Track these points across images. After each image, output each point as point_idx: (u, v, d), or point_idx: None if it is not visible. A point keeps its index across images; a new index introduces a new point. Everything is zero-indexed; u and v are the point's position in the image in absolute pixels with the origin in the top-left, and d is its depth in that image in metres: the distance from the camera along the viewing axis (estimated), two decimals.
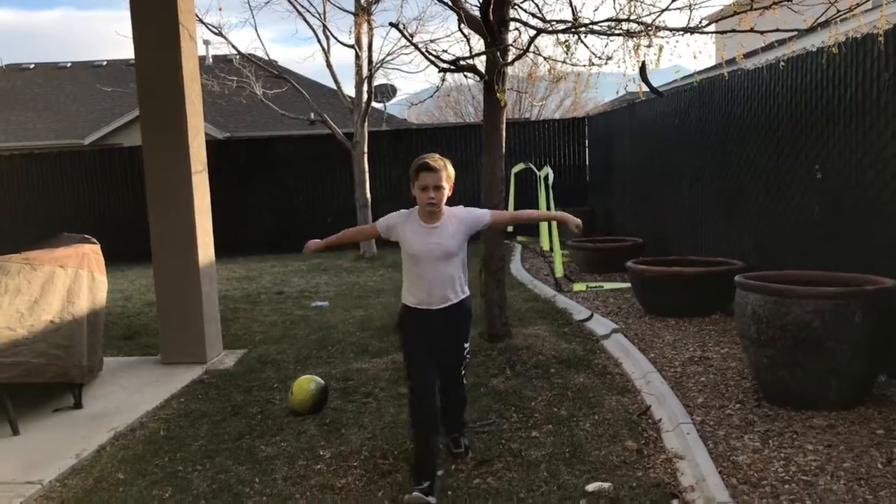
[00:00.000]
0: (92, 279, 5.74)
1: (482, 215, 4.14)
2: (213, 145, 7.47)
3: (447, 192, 3.91)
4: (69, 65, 28.47)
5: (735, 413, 4.62)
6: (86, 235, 6.14)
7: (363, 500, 3.78)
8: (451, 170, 3.95)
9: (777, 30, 4.47)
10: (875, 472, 3.69)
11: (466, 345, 4.18)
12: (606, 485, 3.73)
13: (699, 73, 6.28)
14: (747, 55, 6.54)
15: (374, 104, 15.32)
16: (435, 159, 3.87)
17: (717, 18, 4.63)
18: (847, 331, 4.33)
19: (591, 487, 3.72)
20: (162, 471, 4.31)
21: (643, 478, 3.82)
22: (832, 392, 4.47)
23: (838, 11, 4.22)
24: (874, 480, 3.60)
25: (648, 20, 4.97)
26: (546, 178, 10.26)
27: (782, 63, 5.84)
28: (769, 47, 5.20)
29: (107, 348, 6.52)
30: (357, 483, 3.97)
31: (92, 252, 5.84)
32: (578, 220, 4.07)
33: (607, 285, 9.10)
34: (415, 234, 3.95)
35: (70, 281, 5.46)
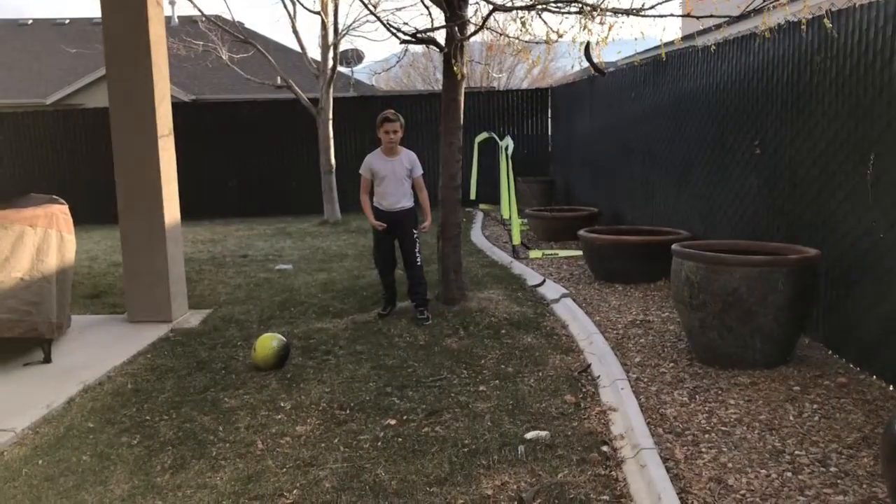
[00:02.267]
0: (61, 239, 5.92)
1: (418, 169, 6.48)
2: (178, 108, 7.62)
3: (400, 135, 6.31)
4: (31, 22, 27.99)
5: (668, 371, 4.99)
6: (54, 196, 6.30)
7: (320, 445, 4.08)
8: (402, 121, 6.35)
9: (711, 15, 4.76)
10: (786, 424, 4.07)
11: (415, 233, 6.50)
12: (544, 433, 4.07)
13: (665, 44, 6.54)
14: (686, 37, 6.82)
15: (340, 69, 15.44)
16: (394, 114, 6.30)
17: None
18: (770, 296, 4.69)
19: (529, 435, 4.05)
20: (130, 420, 4.57)
21: (578, 427, 4.17)
22: (756, 352, 4.85)
23: (764, 1, 4.51)
24: (784, 430, 3.98)
25: (597, 1, 5.22)
26: (507, 148, 10.52)
27: (713, 47, 6.15)
28: (706, 31, 5.45)
29: (74, 307, 6.71)
30: (314, 431, 4.27)
31: (61, 212, 6.02)
32: (426, 225, 6.60)
33: (562, 252, 9.45)
34: (381, 163, 6.37)
35: (39, 240, 5.64)
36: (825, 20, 4.81)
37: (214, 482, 3.71)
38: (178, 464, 3.94)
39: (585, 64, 6.25)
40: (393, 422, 4.34)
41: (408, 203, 6.46)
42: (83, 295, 8.10)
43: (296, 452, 4.01)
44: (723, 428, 4.05)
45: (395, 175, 6.35)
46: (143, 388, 5.15)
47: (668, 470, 3.55)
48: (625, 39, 6.27)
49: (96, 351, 5.99)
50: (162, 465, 3.93)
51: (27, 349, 5.78)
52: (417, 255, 6.51)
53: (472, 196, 12.37)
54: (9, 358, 5.68)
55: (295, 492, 3.58)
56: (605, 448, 3.90)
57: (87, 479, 3.81)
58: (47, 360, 5.70)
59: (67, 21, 27.92)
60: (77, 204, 6.93)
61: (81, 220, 7.05)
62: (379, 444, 4.07)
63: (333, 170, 14.16)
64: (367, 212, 6.50)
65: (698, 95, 7.45)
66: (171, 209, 6.89)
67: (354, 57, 19.50)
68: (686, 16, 4.77)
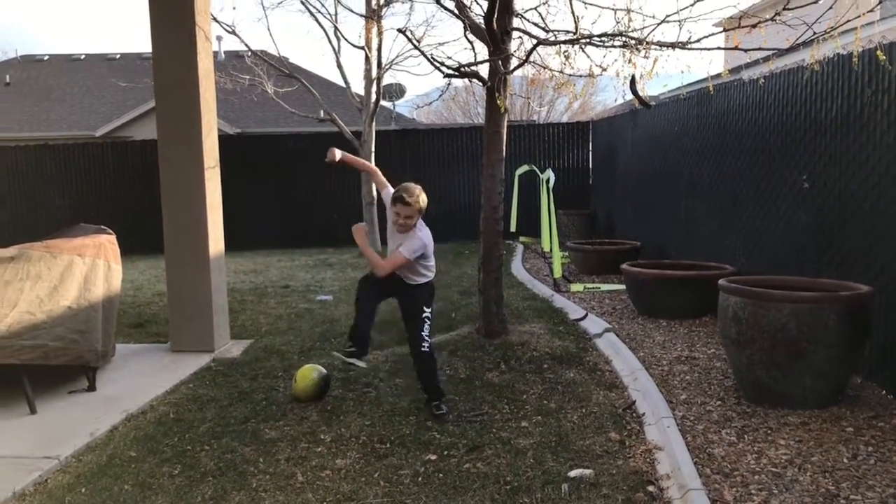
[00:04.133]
0: (108, 268, 6.01)
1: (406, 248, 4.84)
2: (224, 140, 7.74)
3: (414, 221, 4.85)
4: (83, 57, 28.80)
5: (715, 409, 4.87)
6: (102, 226, 6.42)
7: (360, 479, 4.04)
8: (421, 205, 4.82)
9: (759, 48, 4.71)
10: (840, 466, 3.93)
11: (426, 311, 5.02)
12: (588, 471, 3.99)
13: (713, 77, 6.43)
14: (732, 70, 6.76)
15: (383, 103, 15.60)
16: (413, 194, 4.76)
17: (709, 34, 4.86)
18: (821, 333, 4.57)
19: (573, 473, 3.97)
20: (171, 450, 4.58)
21: (623, 466, 4.08)
22: (807, 391, 4.71)
23: (815, 34, 4.46)
24: (838, 473, 3.85)
25: (642, 34, 5.20)
26: (548, 180, 10.49)
27: (761, 80, 6.08)
28: (753, 63, 5.39)
29: (118, 336, 6.79)
30: (355, 465, 4.24)
31: (108, 242, 6.12)
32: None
33: (604, 286, 9.34)
34: (391, 232, 5.04)
35: (87, 269, 5.73)
36: (878, 52, 4.73)
37: None
38: (218, 495, 3.93)
39: (628, 97, 6.21)
40: (434, 457, 4.29)
41: (418, 279, 5.04)
42: (127, 324, 8.20)
43: (336, 486, 3.97)
44: (773, 469, 3.93)
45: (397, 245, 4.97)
46: (185, 417, 5.17)
47: None
48: (670, 73, 6.24)
49: (139, 380, 6.04)
50: (202, 496, 3.92)
51: (73, 377, 5.85)
52: (426, 339, 4.98)
53: (513, 229, 12.32)
54: (54, 385, 5.75)
55: None
56: (651, 488, 3.81)
57: None
58: (92, 388, 5.76)
59: (118, 56, 28.67)
60: (124, 234, 7.03)
61: (127, 249, 7.16)
62: (419, 479, 4.02)
63: (375, 202, 14.23)
64: (341, 154, 5.24)
65: (744, 128, 7.37)
66: (216, 240, 6.96)
67: (397, 91, 19.69)
68: (734, 48, 4.72)
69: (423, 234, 4.89)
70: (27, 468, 4.29)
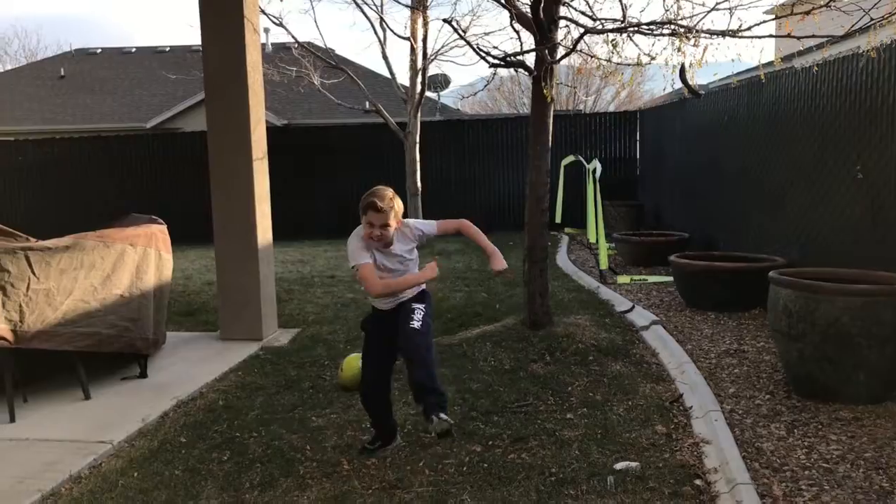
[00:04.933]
0: (159, 257, 6.13)
1: (429, 229, 4.42)
2: (271, 132, 7.82)
3: (391, 230, 4.03)
4: (134, 50, 29.35)
5: (764, 403, 4.79)
6: (153, 216, 6.54)
7: (405, 468, 4.06)
8: (398, 206, 4.02)
9: (813, 35, 4.60)
10: (894, 463, 3.84)
11: (418, 308, 4.28)
12: (634, 464, 3.96)
13: (764, 65, 6.27)
14: (784, 58, 6.62)
15: (427, 94, 15.61)
16: (384, 197, 3.92)
17: (760, 22, 4.77)
18: (875, 328, 4.46)
19: (619, 466, 3.95)
20: (221, 436, 4.66)
21: (670, 459, 4.04)
22: (859, 386, 4.61)
23: (872, 19, 4.34)
24: (892, 470, 3.76)
25: (692, 22, 5.13)
26: (594, 171, 10.41)
27: (815, 67, 5.95)
28: (806, 51, 5.28)
29: (169, 324, 6.92)
30: (400, 453, 4.27)
31: (159, 232, 6.24)
32: (503, 266, 4.12)
33: (651, 278, 9.25)
34: (376, 254, 4.18)
35: (139, 258, 5.85)
36: None
37: (301, 501, 3.74)
38: (266, 481, 3.98)
39: (677, 86, 6.13)
40: (478, 447, 4.29)
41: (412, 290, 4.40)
42: (178, 312, 8.36)
43: (381, 474, 4.01)
44: (824, 465, 3.86)
45: (393, 266, 4.33)
46: (234, 404, 5.25)
47: None
48: (720, 62, 6.13)
49: (189, 367, 6.16)
50: (251, 482, 3.98)
51: (125, 364, 5.99)
52: (416, 322, 4.16)
53: (558, 220, 12.26)
54: (108, 372, 5.89)
55: None
56: (698, 482, 3.76)
57: (179, 494, 3.89)
58: (143, 375, 5.89)
59: (168, 49, 29.14)
60: (174, 224, 7.14)
61: (177, 239, 7.29)
62: (464, 469, 4.03)
63: (420, 192, 14.28)
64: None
65: (796, 117, 7.22)
66: (264, 230, 7.05)
67: (442, 81, 19.68)
68: (786, 36, 4.62)
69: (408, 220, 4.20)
70: (82, 452, 4.40)
